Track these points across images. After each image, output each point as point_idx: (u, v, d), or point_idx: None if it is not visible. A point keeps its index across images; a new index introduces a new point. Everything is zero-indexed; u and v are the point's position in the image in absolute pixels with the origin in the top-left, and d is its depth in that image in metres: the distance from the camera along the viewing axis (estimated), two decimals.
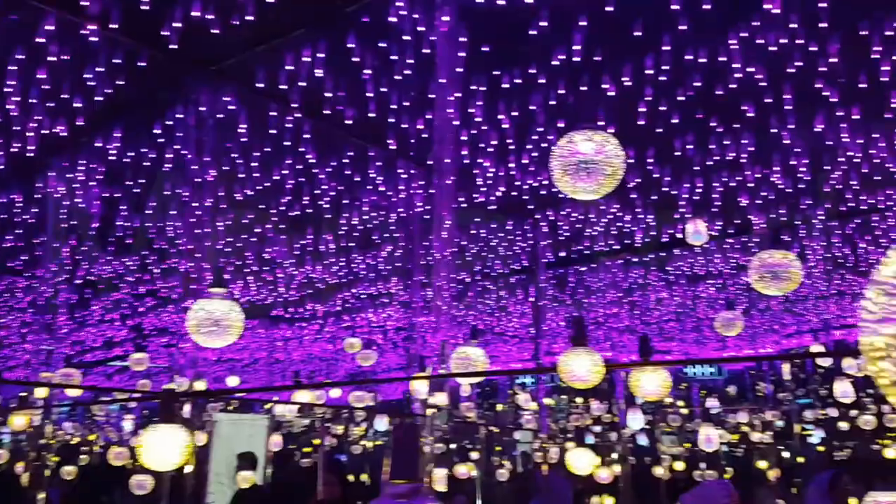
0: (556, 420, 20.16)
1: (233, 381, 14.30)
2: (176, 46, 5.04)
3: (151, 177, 7.51)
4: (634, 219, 8.99)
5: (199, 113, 6.23)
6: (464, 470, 10.34)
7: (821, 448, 19.10)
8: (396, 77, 5.36)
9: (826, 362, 14.19)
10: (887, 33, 4.87)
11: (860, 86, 5.58)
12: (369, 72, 5.30)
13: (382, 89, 5.53)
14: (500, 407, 24.31)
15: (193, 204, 7.71)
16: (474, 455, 15.41)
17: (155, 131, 6.55)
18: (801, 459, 16.41)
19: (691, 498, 6.15)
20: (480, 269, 11.22)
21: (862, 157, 7.15)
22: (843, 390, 10.04)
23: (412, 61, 5.19)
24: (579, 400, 22.55)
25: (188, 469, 8.47)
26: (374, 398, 15.00)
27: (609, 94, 5.60)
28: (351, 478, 13.51)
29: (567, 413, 21.54)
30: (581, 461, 7.34)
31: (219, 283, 3.59)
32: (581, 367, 4.04)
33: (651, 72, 5.33)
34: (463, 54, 5.07)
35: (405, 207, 8.32)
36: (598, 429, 18.69)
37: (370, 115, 5.81)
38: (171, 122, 6.47)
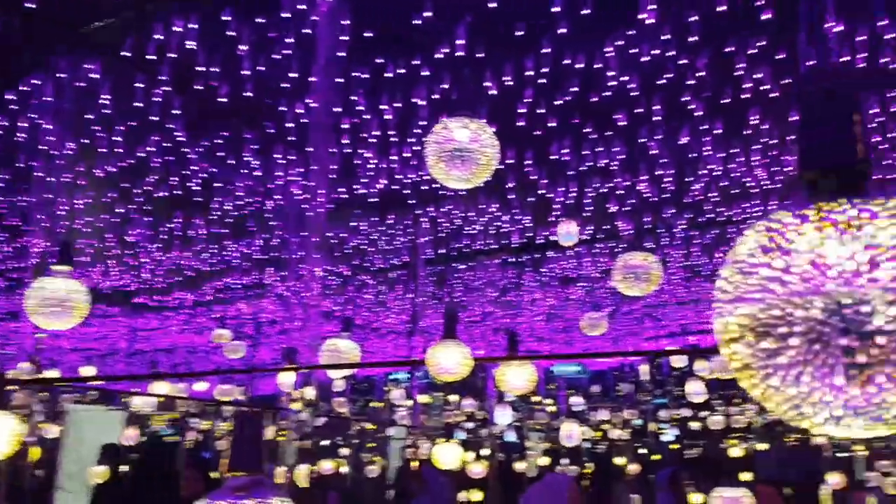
0: (429, 416, 20.31)
1: (87, 371, 13.45)
2: (34, 6, 4.65)
3: (3, 148, 6.90)
4: (512, 219, 9.14)
5: (57, 80, 5.77)
6: (329, 465, 10.20)
7: (675, 446, 20.24)
8: (275, 56, 5.17)
9: (682, 363, 15.03)
10: (750, 52, 5.16)
11: (724, 101, 5.90)
12: (246, 48, 5.08)
13: (260, 68, 5.31)
14: (373, 403, 24.22)
15: (49, 179, 7.17)
16: (345, 451, 15.26)
17: (7, 97, 6.01)
18: (656, 457, 17.32)
19: (534, 491, 6.33)
20: (359, 263, 11.08)
21: (722, 171, 7.57)
22: (694, 389, 10.69)
23: (292, 41, 5.02)
24: (453, 397, 22.84)
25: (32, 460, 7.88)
26: (244, 392, 14.54)
27: (491, 92, 5.64)
28: (216, 475, 13.04)
29: (440, 410, 21.75)
30: (448, 456, 7.40)
31: (63, 261, 3.31)
32: (449, 359, 4.04)
33: (531, 73, 5.41)
34: (346, 38, 4.95)
35: (282, 195, 8.07)
36: (470, 425, 19.00)
37: (246, 94, 5.57)
38: (26, 89, 5.96)
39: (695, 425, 19.82)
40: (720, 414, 18.28)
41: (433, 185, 7.67)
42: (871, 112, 6.02)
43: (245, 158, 7.00)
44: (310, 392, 7.44)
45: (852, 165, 0.78)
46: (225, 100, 5.62)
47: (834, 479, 9.74)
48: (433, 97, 5.81)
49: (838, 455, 12.14)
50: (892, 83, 5.66)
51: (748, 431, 18.30)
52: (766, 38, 5.02)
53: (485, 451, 13.48)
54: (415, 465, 11.65)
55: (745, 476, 9.87)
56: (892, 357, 0.68)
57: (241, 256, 10.51)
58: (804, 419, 0.76)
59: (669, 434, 20.64)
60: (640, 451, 17.09)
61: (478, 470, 10.41)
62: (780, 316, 0.74)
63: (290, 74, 5.41)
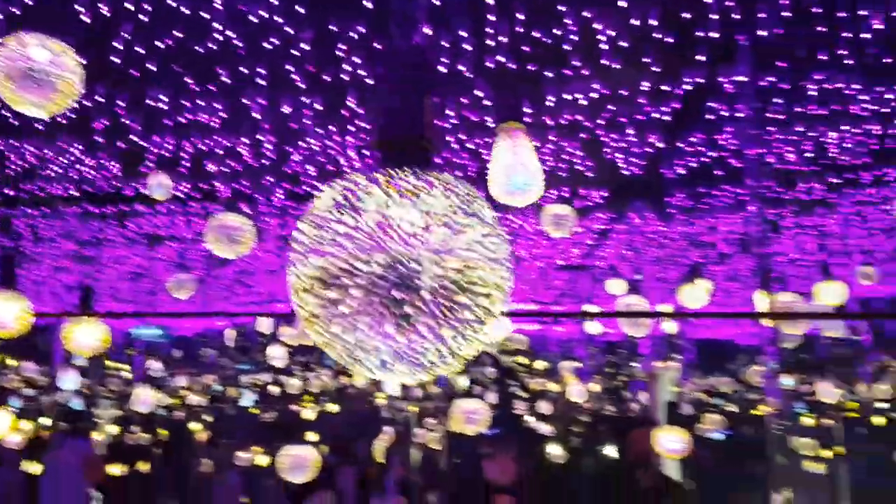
0: None
1: None
2: None
3: None
4: (98, 166, 8.29)
5: None
6: None
7: (255, 410, 20.60)
8: None
9: (268, 329, 15.44)
10: (350, 34, 5.42)
11: (324, 79, 6.11)
12: None
13: None
14: None
15: None
16: None
17: None
18: (234, 423, 17.46)
19: (55, 455, 6.01)
20: None
21: (320, 148, 7.87)
22: (275, 353, 11.05)
23: None
24: (11, 361, 20.07)
25: None
26: None
27: (82, 18, 5.02)
28: None
29: None
30: None
31: None
32: (5, 313, 3.53)
33: (130, 7, 4.94)
34: None
35: None
36: (31, 392, 17.03)
37: None
38: None
39: (275, 389, 20.46)
40: (298, 378, 19.21)
41: (2, 113, 6.57)
42: (448, 115, 6.81)
43: None
44: None
45: (418, 140, 0.88)
46: None
47: (386, 435, 11.00)
48: (9, 9, 4.95)
49: (394, 415, 13.65)
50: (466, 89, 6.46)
51: (322, 394, 19.52)
52: (364, 25, 5.33)
53: (46, 421, 12.22)
54: None
55: (313, 437, 10.52)
56: (433, 309, 0.79)
57: None
58: (358, 364, 0.83)
59: (248, 399, 21.00)
60: (217, 417, 17.06)
61: (16, 440, 9.40)
62: (345, 269, 0.80)
63: None
